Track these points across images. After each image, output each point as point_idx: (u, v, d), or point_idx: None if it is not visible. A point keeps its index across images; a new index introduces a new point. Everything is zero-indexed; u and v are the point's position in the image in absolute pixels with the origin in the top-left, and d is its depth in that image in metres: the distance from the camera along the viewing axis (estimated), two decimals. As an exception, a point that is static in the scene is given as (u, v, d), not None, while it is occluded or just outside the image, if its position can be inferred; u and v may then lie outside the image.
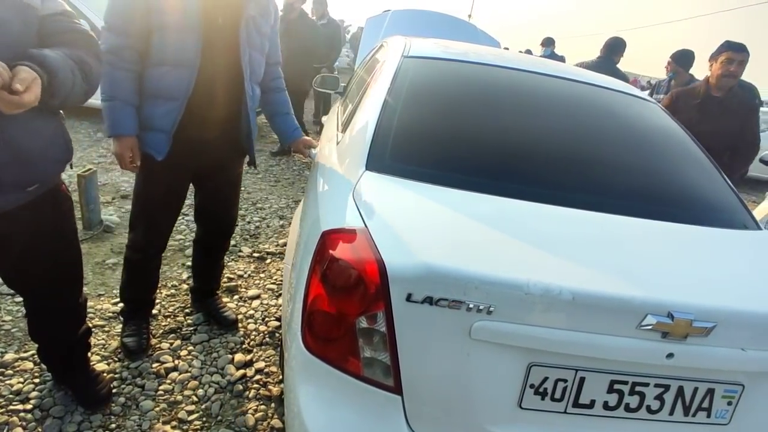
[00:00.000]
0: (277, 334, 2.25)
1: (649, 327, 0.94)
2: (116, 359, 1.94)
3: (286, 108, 2.07)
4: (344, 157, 1.47)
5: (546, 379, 1.01)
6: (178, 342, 2.09)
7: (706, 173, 1.59)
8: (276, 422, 1.77)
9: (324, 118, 3.41)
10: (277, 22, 1.94)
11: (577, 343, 0.96)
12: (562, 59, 6.76)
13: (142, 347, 1.95)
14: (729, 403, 1.08)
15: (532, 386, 1.01)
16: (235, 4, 1.70)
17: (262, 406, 1.83)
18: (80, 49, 1.20)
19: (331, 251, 1.03)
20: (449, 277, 0.92)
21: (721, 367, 1.03)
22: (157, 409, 1.74)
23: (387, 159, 1.33)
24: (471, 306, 0.93)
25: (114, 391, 1.77)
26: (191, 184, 1.99)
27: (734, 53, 2.76)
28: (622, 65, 4.47)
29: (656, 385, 1.04)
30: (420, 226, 1.08)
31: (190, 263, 2.68)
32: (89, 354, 1.77)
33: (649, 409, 1.05)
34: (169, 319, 2.22)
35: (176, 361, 1.98)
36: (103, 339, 2.03)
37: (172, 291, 2.44)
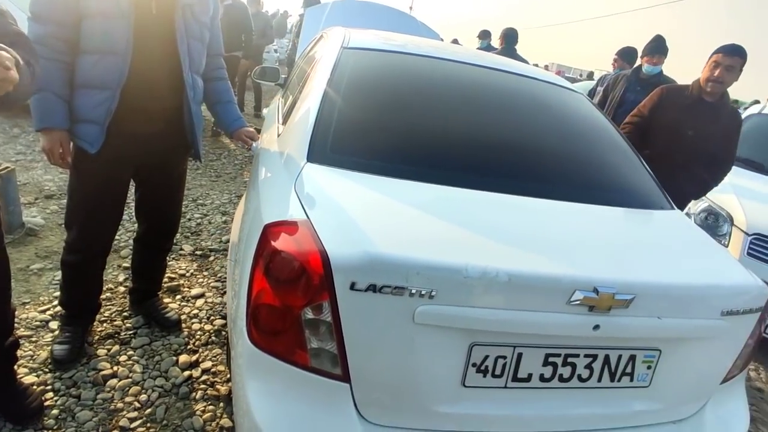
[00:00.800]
0: (223, 333, 2.20)
1: (578, 302, 1.02)
2: (47, 370, 1.81)
3: (228, 97, 2.01)
4: (285, 149, 1.46)
5: (487, 357, 1.06)
6: (117, 347, 1.98)
7: (627, 159, 1.72)
8: (225, 422, 1.73)
9: (265, 111, 3.33)
10: (217, 11, 1.89)
11: (515, 321, 1.02)
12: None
13: (72, 356, 1.83)
14: (648, 367, 1.18)
15: (474, 365, 1.06)
16: None
17: (210, 407, 1.79)
18: (22, 50, 1.12)
19: (273, 244, 1.02)
20: (391, 264, 0.95)
21: (640, 335, 1.12)
22: (96, 419, 1.65)
23: (328, 151, 1.33)
24: (413, 291, 0.96)
25: (47, 403, 1.66)
26: (132, 180, 1.89)
27: (723, 56, 2.47)
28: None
29: (585, 356, 1.12)
30: (361, 216, 1.10)
31: (126, 265, 2.57)
32: (16, 367, 1.65)
33: (580, 378, 1.14)
34: (105, 324, 2.10)
35: (115, 368, 1.88)
36: (30, 350, 1.89)
37: (108, 294, 2.31)
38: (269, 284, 1.02)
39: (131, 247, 2.69)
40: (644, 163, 1.74)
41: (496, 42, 5.82)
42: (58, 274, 2.37)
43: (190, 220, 3.29)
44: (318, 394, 1.03)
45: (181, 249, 2.84)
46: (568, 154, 1.60)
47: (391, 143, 1.43)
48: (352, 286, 0.95)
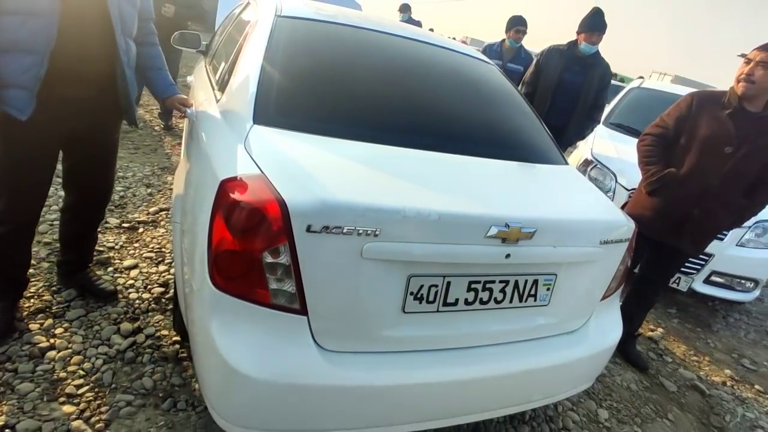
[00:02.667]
0: (163, 300, 2.22)
1: (493, 235, 1.24)
2: (-26, 347, 1.75)
3: (160, 63, 1.98)
4: (228, 113, 1.53)
5: (422, 286, 1.26)
6: (50, 321, 1.94)
7: (530, 122, 1.99)
8: (176, 379, 1.80)
9: (189, 78, 3.23)
10: None
11: (444, 254, 1.23)
12: (419, 24, 7.20)
13: (2, 329, 1.78)
14: (548, 289, 1.47)
15: (412, 293, 1.25)
16: None
17: (159, 368, 1.84)
18: None
19: (232, 196, 1.12)
20: (342, 208, 1.10)
21: (541, 261, 1.39)
22: (39, 389, 1.64)
23: (272, 113, 1.43)
24: (360, 231, 1.12)
25: (-18, 378, 1.62)
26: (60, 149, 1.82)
27: (757, 51, 2.07)
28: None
29: (500, 281, 1.37)
30: (310, 170, 1.23)
31: (47, 240, 2.46)
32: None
33: (496, 301, 1.39)
34: (33, 300, 2.03)
35: (52, 340, 1.85)
36: (-49, 329, 1.80)
37: (31, 270, 2.20)
38: (230, 233, 1.13)
39: (50, 222, 2.59)
40: (544, 125, 2.04)
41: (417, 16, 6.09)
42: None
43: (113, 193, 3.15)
44: (279, 327, 1.17)
45: (107, 222, 2.74)
46: (483, 117, 1.84)
47: (329, 107, 1.56)
48: (308, 229, 1.09)
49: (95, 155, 1.91)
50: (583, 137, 3.77)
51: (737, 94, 2.12)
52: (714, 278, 3.23)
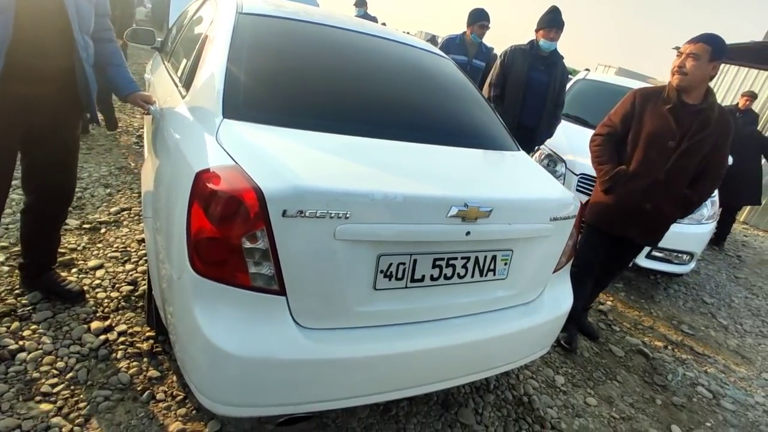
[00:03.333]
0: (133, 297, 2.22)
1: (454, 214, 1.36)
2: (-62, 354, 1.71)
3: (119, 59, 1.98)
4: (197, 110, 1.57)
5: (391, 264, 1.36)
6: (17, 324, 1.92)
7: (485, 112, 2.13)
8: (153, 372, 1.83)
9: (147, 76, 3.18)
10: None
11: (409, 233, 1.33)
12: (374, 19, 7.28)
13: None
14: (505, 264, 1.61)
15: (382, 271, 1.35)
16: None
17: (135, 363, 1.86)
18: None
19: (209, 186, 1.18)
20: (315, 193, 1.19)
21: (498, 237, 1.52)
22: (13, 390, 1.64)
23: (241, 107, 1.49)
24: (333, 214, 1.21)
25: (-50, 383, 1.60)
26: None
27: (686, 44, 2.16)
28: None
29: (462, 258, 1.49)
30: (281, 159, 1.31)
31: (2, 244, 2.39)
32: None
33: (459, 276, 1.51)
34: (-5, 304, 1.99)
35: (21, 342, 1.84)
36: None
37: (-10, 275, 2.16)
38: (209, 221, 1.19)
39: (5, 226, 2.52)
40: (497, 114, 2.18)
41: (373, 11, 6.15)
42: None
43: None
44: (259, 308, 1.25)
45: (67, 224, 2.68)
46: (442, 108, 1.97)
47: (295, 101, 1.63)
48: (284, 213, 1.17)
49: (56, 153, 1.89)
50: (551, 136, 3.69)
51: (674, 87, 2.20)
52: (655, 253, 3.53)
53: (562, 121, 4.38)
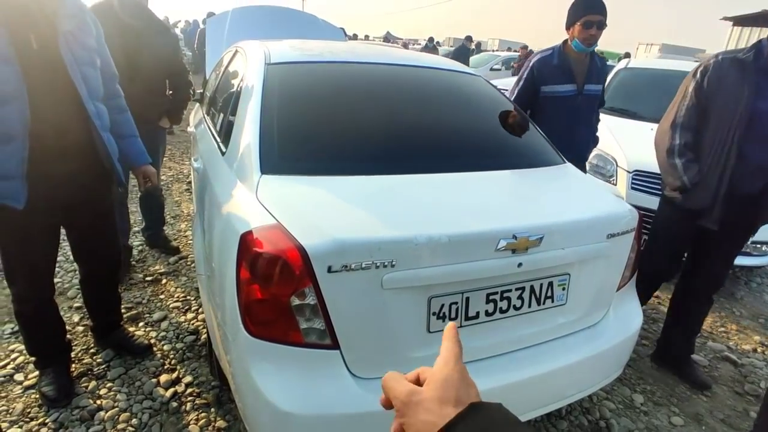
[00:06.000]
0: (196, 347, 2.30)
1: (503, 248, 1.30)
2: (27, 419, 1.84)
3: (130, 130, 2.01)
4: (236, 165, 1.61)
5: (443, 305, 1.32)
6: (94, 383, 2.03)
7: (522, 126, 2.05)
8: (221, 423, 1.87)
9: (191, 129, 3.34)
10: (101, 32, 1.85)
11: (459, 272, 1.29)
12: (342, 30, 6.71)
13: (64, 393, 1.87)
14: (563, 289, 1.52)
15: (434, 313, 1.32)
16: (44, 23, 1.59)
17: (203, 414, 1.91)
18: None
19: (255, 248, 1.20)
20: (358, 245, 1.17)
21: (552, 264, 1.44)
22: (94, 450, 1.73)
23: (277, 161, 1.52)
24: (378, 264, 1.19)
25: (39, 448, 1.70)
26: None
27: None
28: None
29: (516, 289, 1.42)
30: (322, 212, 1.31)
31: (78, 304, 2.55)
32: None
33: (515, 308, 1.44)
34: (74, 365, 2.12)
35: (98, 401, 1.94)
36: (4, 404, 1.89)
37: (68, 336, 2.30)
38: (256, 283, 1.20)
39: (77, 287, 2.68)
40: (537, 127, 2.10)
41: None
42: (7, 328, 2.33)
43: (132, 250, 3.25)
44: (314, 363, 1.24)
45: (131, 278, 2.84)
46: (477, 131, 1.91)
47: (330, 146, 1.64)
48: (329, 269, 1.16)
49: (92, 225, 1.94)
50: None
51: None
52: (729, 246, 3.24)
53: (607, 115, 4.18)
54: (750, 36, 9.14)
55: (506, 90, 2.56)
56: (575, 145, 2.56)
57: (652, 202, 3.12)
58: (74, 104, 1.67)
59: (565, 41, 2.62)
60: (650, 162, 3.29)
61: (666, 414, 2.14)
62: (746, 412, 2.20)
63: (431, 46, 12.80)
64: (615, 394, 2.22)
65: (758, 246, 3.28)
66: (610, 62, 6.20)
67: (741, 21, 9.26)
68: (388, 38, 24.21)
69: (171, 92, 2.95)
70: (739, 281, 3.61)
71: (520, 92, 2.64)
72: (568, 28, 2.57)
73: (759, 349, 2.72)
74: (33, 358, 1.97)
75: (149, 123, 2.70)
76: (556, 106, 2.60)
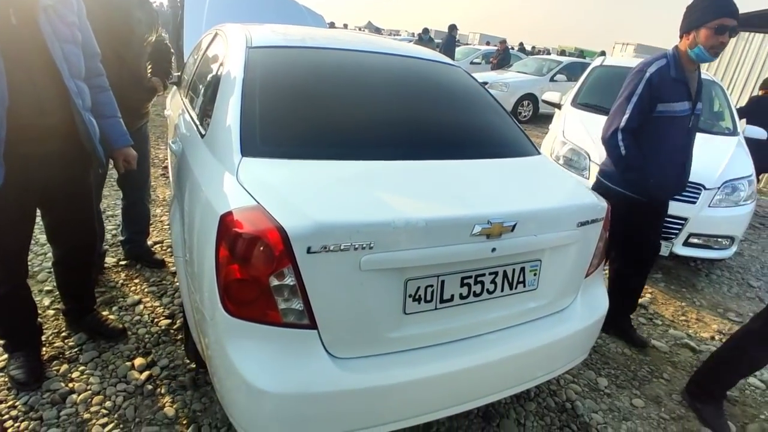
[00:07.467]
0: (171, 331, 2.29)
1: (478, 233, 1.35)
2: (-4, 402, 1.81)
3: (111, 110, 1.95)
4: (216, 148, 1.60)
5: (419, 288, 1.36)
6: (65, 366, 2.00)
7: (501, 119, 2.11)
8: (196, 405, 1.88)
9: (167, 112, 3.28)
10: (82, 8, 1.77)
11: (435, 256, 1.33)
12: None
13: (34, 376, 1.84)
14: (535, 274, 1.58)
15: (410, 296, 1.35)
16: None
17: (179, 396, 1.92)
18: None
19: (235, 229, 1.21)
20: (337, 228, 1.20)
21: (525, 250, 1.50)
22: (66, 432, 1.71)
23: (258, 144, 1.52)
24: (357, 246, 1.22)
25: (9, 431, 1.68)
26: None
27: None
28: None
29: (489, 273, 1.47)
30: (302, 194, 1.32)
31: (48, 288, 2.51)
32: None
33: (488, 292, 1.49)
34: (45, 348, 2.08)
35: (71, 384, 1.92)
36: (-29, 387, 1.85)
37: (39, 320, 2.25)
38: (236, 263, 1.22)
39: (47, 270, 2.63)
40: (514, 119, 2.15)
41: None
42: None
43: (105, 233, 3.19)
44: (292, 343, 1.26)
45: (105, 263, 2.79)
46: (456, 120, 1.95)
47: (311, 131, 1.65)
48: (309, 251, 1.18)
49: (72, 207, 1.90)
50: None
51: None
52: (692, 240, 3.40)
53: (581, 111, 4.29)
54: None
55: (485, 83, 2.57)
56: (685, 175, 2.33)
57: (622, 196, 3.24)
58: (54, 82, 1.62)
59: (677, 48, 2.20)
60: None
61: (628, 396, 2.25)
62: (702, 395, 2.33)
63: (426, 39, 11.77)
64: (581, 377, 2.32)
65: (719, 240, 3.45)
66: (587, 59, 6.32)
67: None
68: (378, 29, 23.89)
69: (150, 64, 2.75)
70: (700, 273, 3.79)
71: (636, 112, 2.16)
72: (688, 31, 2.12)
73: (716, 337, 2.87)
74: (2, 341, 1.93)
75: (138, 116, 2.58)
76: (669, 127, 2.20)
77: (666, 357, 2.60)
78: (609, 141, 2.28)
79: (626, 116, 2.19)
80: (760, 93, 5.58)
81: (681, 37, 2.19)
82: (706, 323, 3.04)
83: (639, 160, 2.23)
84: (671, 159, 2.26)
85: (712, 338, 2.86)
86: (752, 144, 4.04)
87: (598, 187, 2.44)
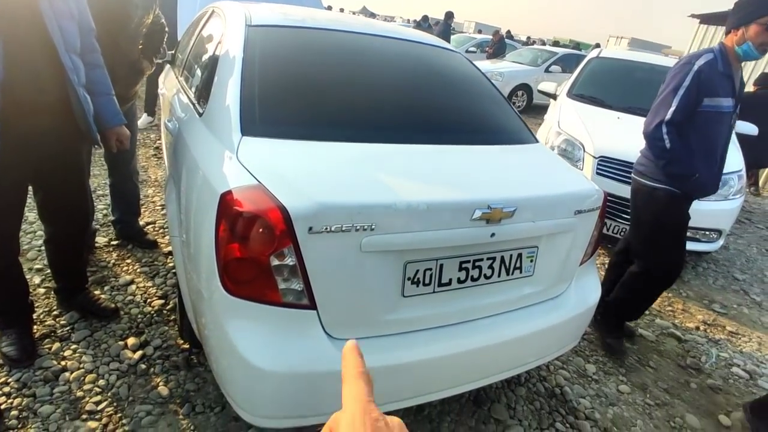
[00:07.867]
0: (165, 311, 2.28)
1: (477, 217, 1.36)
2: (-13, 378, 1.79)
3: (105, 87, 1.92)
4: (215, 127, 1.58)
5: (417, 271, 1.37)
6: (57, 344, 1.99)
7: (501, 107, 2.11)
8: (190, 385, 1.88)
9: (162, 90, 3.22)
10: None
11: (434, 239, 1.34)
12: (329, 9, 6.85)
13: (27, 353, 1.83)
14: (531, 261, 1.59)
15: (409, 278, 1.36)
16: None
17: (172, 376, 1.92)
18: None
19: (236, 208, 1.20)
20: (339, 208, 1.19)
21: (523, 236, 1.51)
22: (59, 410, 1.70)
23: (258, 124, 1.50)
24: (358, 227, 1.22)
25: (2, 407, 1.67)
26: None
27: None
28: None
29: (487, 258, 1.48)
30: (303, 175, 1.32)
31: (38, 266, 2.47)
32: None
33: (485, 277, 1.51)
34: (37, 326, 2.06)
35: (63, 362, 1.90)
36: (-39, 364, 1.83)
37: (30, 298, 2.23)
38: (237, 242, 1.21)
39: (37, 248, 2.59)
40: (514, 108, 2.15)
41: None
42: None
43: (95, 212, 3.14)
44: (291, 323, 1.27)
45: (96, 242, 2.76)
46: (458, 106, 1.95)
47: (310, 113, 1.64)
48: (310, 230, 1.18)
49: (64, 183, 1.88)
50: None
51: None
52: (681, 232, 3.45)
53: (577, 102, 4.31)
54: (714, 34, 9.50)
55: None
56: (720, 174, 2.29)
57: (615, 188, 3.29)
58: (50, 57, 1.60)
59: (722, 44, 2.16)
60: (615, 149, 3.44)
61: (615, 382, 2.30)
62: (687, 383, 2.39)
63: (426, 26, 11.71)
64: (570, 364, 2.36)
65: (706, 233, 3.51)
66: (583, 52, 6.35)
67: (707, 19, 9.59)
68: (373, 15, 23.71)
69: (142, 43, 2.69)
70: (687, 265, 3.85)
71: (682, 105, 2.08)
72: (737, 27, 2.09)
73: (701, 327, 2.94)
74: None
75: (127, 99, 2.52)
76: (714, 124, 2.14)
77: (652, 346, 2.66)
78: (652, 134, 2.15)
79: (672, 108, 2.10)
80: (753, 89, 5.64)
81: (728, 32, 2.14)
82: (692, 314, 3.10)
83: (684, 153, 2.11)
84: (713, 157, 2.18)
85: (697, 328, 2.93)
86: (743, 140, 4.09)
87: (637, 190, 2.32)
